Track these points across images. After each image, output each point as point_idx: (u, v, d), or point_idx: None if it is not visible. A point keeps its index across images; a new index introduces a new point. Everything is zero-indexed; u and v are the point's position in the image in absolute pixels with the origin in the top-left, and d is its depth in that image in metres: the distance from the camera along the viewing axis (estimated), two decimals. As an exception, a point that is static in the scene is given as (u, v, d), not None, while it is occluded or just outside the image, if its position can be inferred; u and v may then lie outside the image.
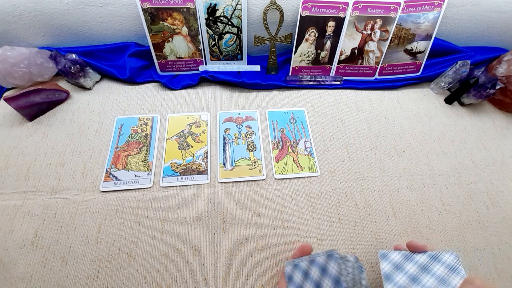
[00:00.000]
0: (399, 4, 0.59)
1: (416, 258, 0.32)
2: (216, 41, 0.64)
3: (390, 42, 0.64)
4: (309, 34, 0.62)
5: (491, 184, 0.54)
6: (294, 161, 0.55)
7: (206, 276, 0.43)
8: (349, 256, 0.34)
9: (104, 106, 0.61)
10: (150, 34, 0.61)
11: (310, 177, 0.53)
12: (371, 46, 0.65)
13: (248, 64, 0.69)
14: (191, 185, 0.51)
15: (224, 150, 0.56)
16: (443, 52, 0.69)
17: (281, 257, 0.45)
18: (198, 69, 0.68)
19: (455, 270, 0.30)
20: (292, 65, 0.67)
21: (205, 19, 0.60)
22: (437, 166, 0.56)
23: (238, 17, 0.61)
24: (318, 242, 0.46)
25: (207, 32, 0.63)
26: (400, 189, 0.52)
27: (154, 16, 0.58)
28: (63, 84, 0.63)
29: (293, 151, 0.56)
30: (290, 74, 0.68)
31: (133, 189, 0.50)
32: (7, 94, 0.60)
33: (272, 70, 0.68)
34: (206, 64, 0.68)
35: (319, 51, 0.65)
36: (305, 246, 0.38)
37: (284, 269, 0.34)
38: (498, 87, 0.60)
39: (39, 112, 0.58)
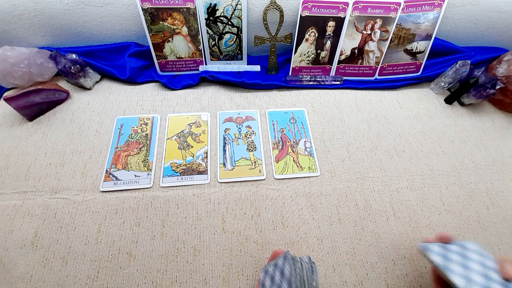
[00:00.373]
0: (399, 4, 0.59)
1: (451, 247, 0.34)
2: (216, 41, 0.64)
3: (390, 42, 0.64)
4: (309, 34, 0.62)
5: (491, 184, 0.54)
6: (294, 161, 0.55)
7: (206, 276, 0.43)
8: (301, 257, 0.35)
9: (104, 106, 0.61)
10: (150, 34, 0.61)
11: (310, 177, 0.53)
12: (371, 46, 0.65)
13: (248, 64, 0.69)
14: (191, 185, 0.51)
15: (224, 150, 0.56)
16: (443, 52, 0.69)
17: (281, 257, 0.45)
18: (198, 69, 0.68)
19: (484, 254, 0.32)
20: (292, 65, 0.67)
21: (205, 19, 0.60)
22: (437, 166, 0.56)
23: (238, 17, 0.61)
24: (318, 242, 0.46)
25: (207, 32, 0.63)
26: (400, 189, 0.52)
27: (154, 16, 0.58)
28: (63, 84, 0.63)
29: (293, 151, 0.56)
30: (290, 74, 0.68)
31: (133, 189, 0.50)
32: (7, 94, 0.60)
33: (272, 70, 0.68)
34: (206, 64, 0.68)
35: (319, 51, 0.65)
36: (275, 252, 0.37)
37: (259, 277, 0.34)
38: (498, 87, 0.60)
39: (39, 112, 0.58)
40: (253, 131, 0.59)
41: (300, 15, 0.59)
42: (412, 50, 0.66)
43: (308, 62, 0.67)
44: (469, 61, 0.62)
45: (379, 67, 0.67)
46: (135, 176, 0.52)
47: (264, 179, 0.53)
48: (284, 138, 0.58)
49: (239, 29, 0.63)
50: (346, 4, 0.59)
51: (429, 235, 0.48)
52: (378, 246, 0.46)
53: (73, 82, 0.63)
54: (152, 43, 0.62)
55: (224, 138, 0.57)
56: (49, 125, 0.58)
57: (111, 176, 0.51)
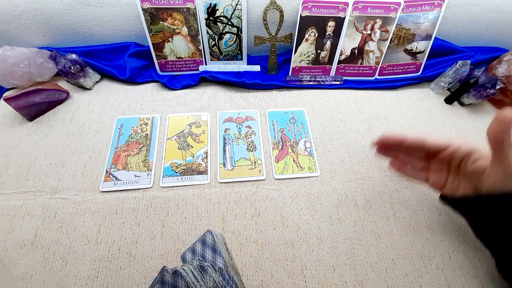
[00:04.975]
0: (399, 4, 0.59)
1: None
2: (216, 41, 0.64)
3: (390, 42, 0.64)
4: (309, 34, 0.62)
5: (491, 184, 0.54)
6: (294, 161, 0.55)
7: (206, 276, 0.43)
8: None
9: (104, 106, 0.61)
10: (150, 34, 0.61)
11: (310, 177, 0.53)
12: (371, 46, 0.65)
13: (248, 64, 0.69)
14: (191, 185, 0.51)
15: (224, 150, 0.56)
16: (443, 52, 0.69)
17: (281, 257, 0.45)
18: (198, 69, 0.68)
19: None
20: (292, 65, 0.67)
21: (205, 19, 0.60)
22: (437, 166, 0.56)
23: (238, 17, 0.61)
24: (318, 242, 0.46)
25: (207, 32, 0.63)
26: (400, 189, 0.52)
27: (154, 16, 0.58)
28: (63, 84, 0.63)
29: (293, 151, 0.56)
30: (290, 74, 0.68)
31: (133, 189, 0.50)
32: (7, 94, 0.60)
33: (272, 70, 0.68)
34: (206, 64, 0.68)
35: (319, 51, 0.65)
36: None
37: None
38: (498, 87, 0.60)
39: (39, 112, 0.58)
40: (253, 131, 0.59)
41: (300, 15, 0.59)
42: (412, 50, 0.66)
43: (308, 62, 0.67)
44: (469, 61, 0.62)
45: (379, 67, 0.67)
46: (135, 176, 0.52)
47: (264, 179, 0.53)
48: (284, 138, 0.58)
49: (239, 29, 0.63)
50: (346, 4, 0.59)
51: (430, 235, 0.48)
52: (378, 246, 0.46)
53: (73, 82, 0.63)
54: (152, 43, 0.62)
55: (224, 138, 0.57)
56: (49, 125, 0.58)
57: (111, 176, 0.51)
